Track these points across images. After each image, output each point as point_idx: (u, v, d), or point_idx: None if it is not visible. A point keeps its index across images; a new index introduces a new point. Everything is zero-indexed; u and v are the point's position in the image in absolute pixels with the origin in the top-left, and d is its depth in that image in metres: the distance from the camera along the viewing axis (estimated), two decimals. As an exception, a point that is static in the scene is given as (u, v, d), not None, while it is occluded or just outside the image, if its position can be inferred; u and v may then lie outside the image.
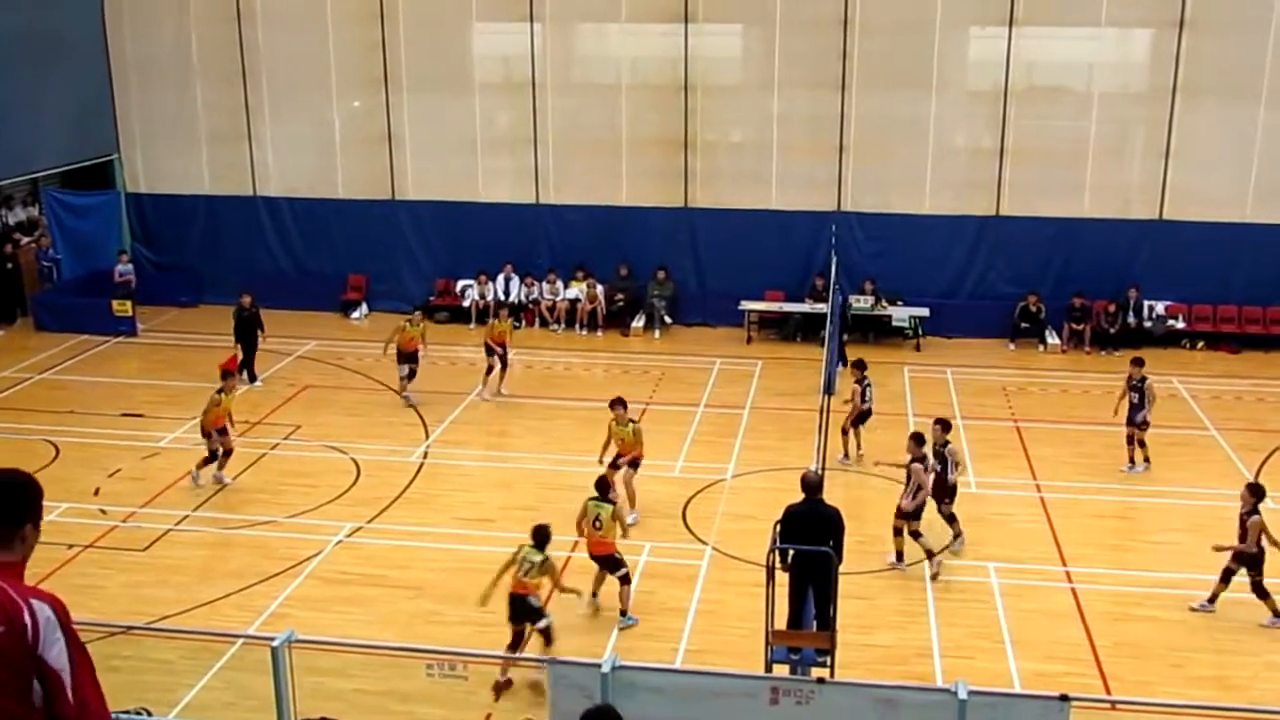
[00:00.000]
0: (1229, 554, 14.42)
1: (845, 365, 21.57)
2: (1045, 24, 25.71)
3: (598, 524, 14.31)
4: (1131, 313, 25.79)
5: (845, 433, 19.29)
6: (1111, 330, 25.60)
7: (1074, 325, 25.76)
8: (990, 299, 26.48)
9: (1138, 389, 19.15)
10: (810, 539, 12.27)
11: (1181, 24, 24.84)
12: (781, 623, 12.38)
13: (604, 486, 14.78)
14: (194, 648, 13.09)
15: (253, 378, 23.00)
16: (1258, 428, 21.07)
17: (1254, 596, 14.35)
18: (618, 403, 17.36)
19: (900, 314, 26.12)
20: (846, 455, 19.29)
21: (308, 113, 28.31)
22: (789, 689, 9.27)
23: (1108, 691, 12.99)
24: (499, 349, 22.25)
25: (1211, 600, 14.60)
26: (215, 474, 18.31)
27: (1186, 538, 16.83)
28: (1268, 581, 14.35)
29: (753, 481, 18.65)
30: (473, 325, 27.12)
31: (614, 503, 14.70)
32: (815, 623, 12.50)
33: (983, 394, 22.94)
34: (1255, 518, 14.16)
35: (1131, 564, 16.04)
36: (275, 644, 9.65)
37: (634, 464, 17.22)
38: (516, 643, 13.05)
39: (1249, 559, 14.29)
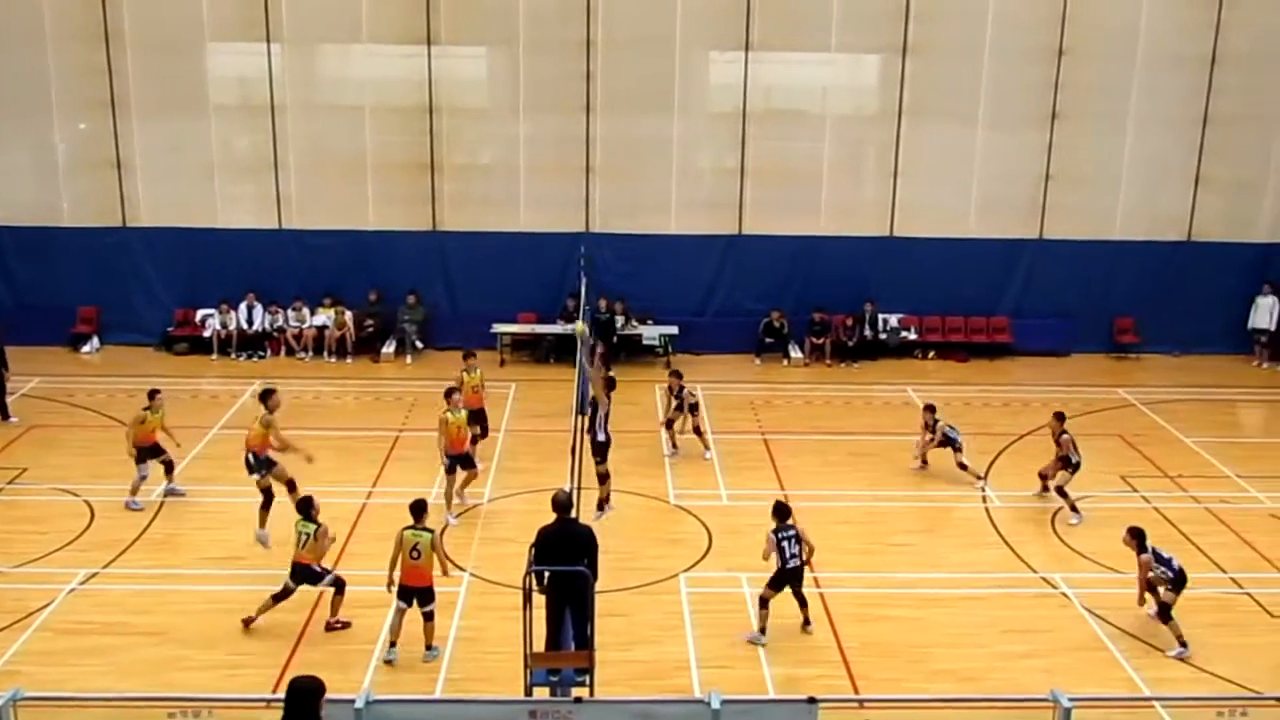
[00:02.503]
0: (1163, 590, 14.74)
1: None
2: (780, 49, 26.64)
3: (416, 553, 13.98)
4: (868, 325, 26.97)
5: (670, 426, 20.97)
6: (850, 343, 26.70)
7: (815, 339, 26.76)
8: (737, 316, 27.23)
9: (931, 429, 20.03)
10: (564, 559, 12.30)
11: (905, 50, 26.18)
12: (541, 645, 12.37)
13: (420, 510, 14.33)
14: (-90, 713, 12.15)
15: (5, 415, 21.88)
16: (986, 431, 22.30)
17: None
18: (453, 391, 18.34)
19: (651, 332, 26.58)
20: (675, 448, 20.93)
21: (27, 137, 26.67)
22: (546, 711, 9.27)
23: (855, 691, 13.49)
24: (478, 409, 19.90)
25: (1183, 643, 14.57)
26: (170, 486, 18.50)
27: (922, 539, 17.75)
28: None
29: (510, 504, 18.62)
30: (214, 356, 26.22)
31: (433, 530, 14.26)
32: (574, 643, 12.54)
33: (732, 408, 23.56)
34: (1143, 556, 14.75)
35: (873, 566, 16.74)
36: None
37: (467, 461, 18.11)
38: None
39: (1174, 583, 14.70)
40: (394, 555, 14.16)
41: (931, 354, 27.25)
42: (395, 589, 14.17)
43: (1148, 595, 14.78)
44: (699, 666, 14.07)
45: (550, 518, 12.84)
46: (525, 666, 11.76)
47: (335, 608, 14.72)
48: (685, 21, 26.11)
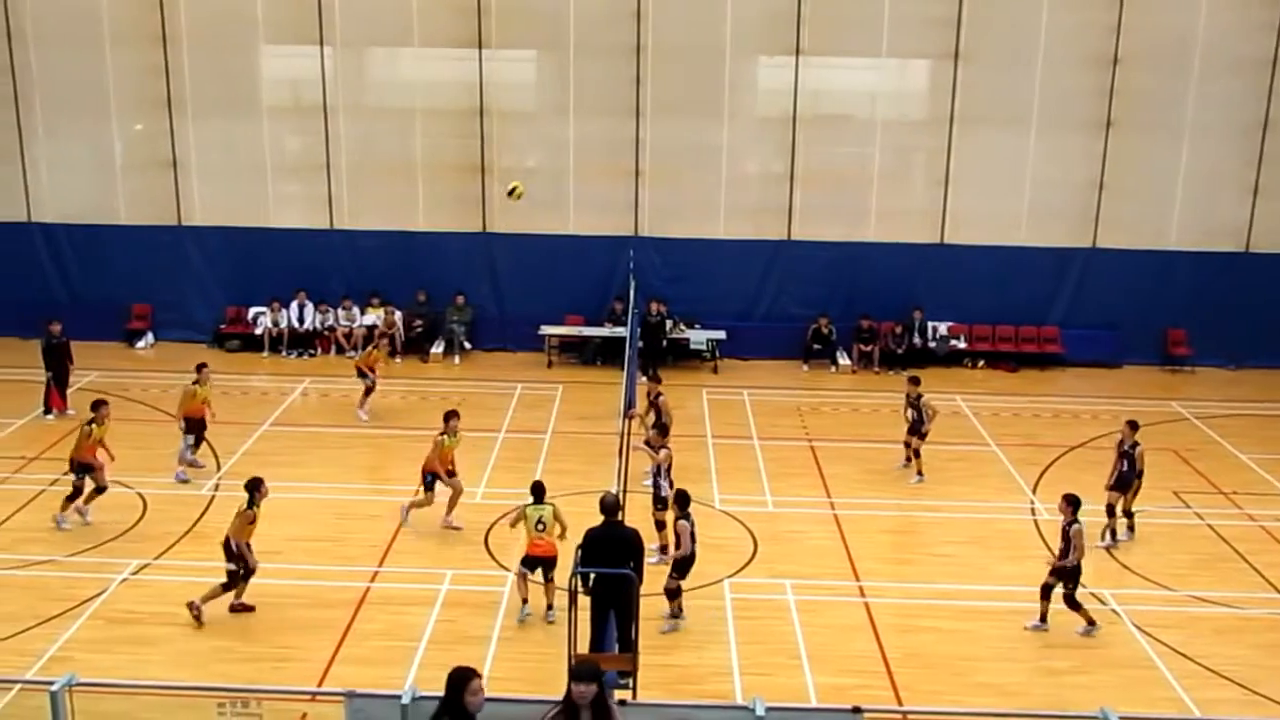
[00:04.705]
0: (1048, 570, 14.88)
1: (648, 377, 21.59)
2: (829, 54, 26.58)
3: (540, 526, 14.82)
4: (916, 333, 26.81)
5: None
6: (899, 351, 26.57)
7: (863, 346, 26.65)
8: (783, 321, 27.18)
9: (915, 406, 19.95)
10: (610, 561, 12.33)
11: (957, 56, 26.04)
12: (584, 646, 12.38)
13: (539, 490, 15.13)
14: (-36, 699, 12.35)
15: (64, 407, 22.28)
16: (1033, 442, 22.12)
17: (1065, 607, 14.87)
18: (453, 415, 17.98)
19: (697, 337, 26.57)
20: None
21: (86, 136, 27.13)
22: (590, 713, 9.25)
23: (899, 702, 13.39)
24: (370, 373, 22.46)
25: (1043, 619, 14.98)
26: (79, 508, 17.54)
27: (967, 549, 17.55)
28: (1080, 591, 15.04)
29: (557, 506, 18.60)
30: (265, 354, 26.49)
31: (553, 504, 15.03)
32: (617, 645, 12.55)
33: (778, 414, 23.49)
34: (1076, 526, 14.66)
35: (916, 576, 16.60)
36: (54, 689, 9.16)
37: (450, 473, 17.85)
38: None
39: (1068, 572, 14.75)
40: (512, 522, 15.35)
41: (981, 363, 27.05)
42: (520, 559, 15.14)
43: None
44: (741, 673, 14.01)
45: (599, 519, 12.88)
46: (568, 667, 11.77)
47: (239, 592, 15.03)
48: (735, 26, 26.11)
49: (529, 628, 14.82)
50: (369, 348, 23.48)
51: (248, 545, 15.00)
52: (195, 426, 19.67)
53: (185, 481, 19.19)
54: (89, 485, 17.58)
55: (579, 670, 8.81)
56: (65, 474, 18.00)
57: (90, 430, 17.66)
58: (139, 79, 26.56)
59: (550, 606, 14.99)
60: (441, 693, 8.60)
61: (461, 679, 8.61)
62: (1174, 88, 26.02)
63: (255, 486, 15.15)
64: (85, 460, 17.57)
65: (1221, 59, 25.88)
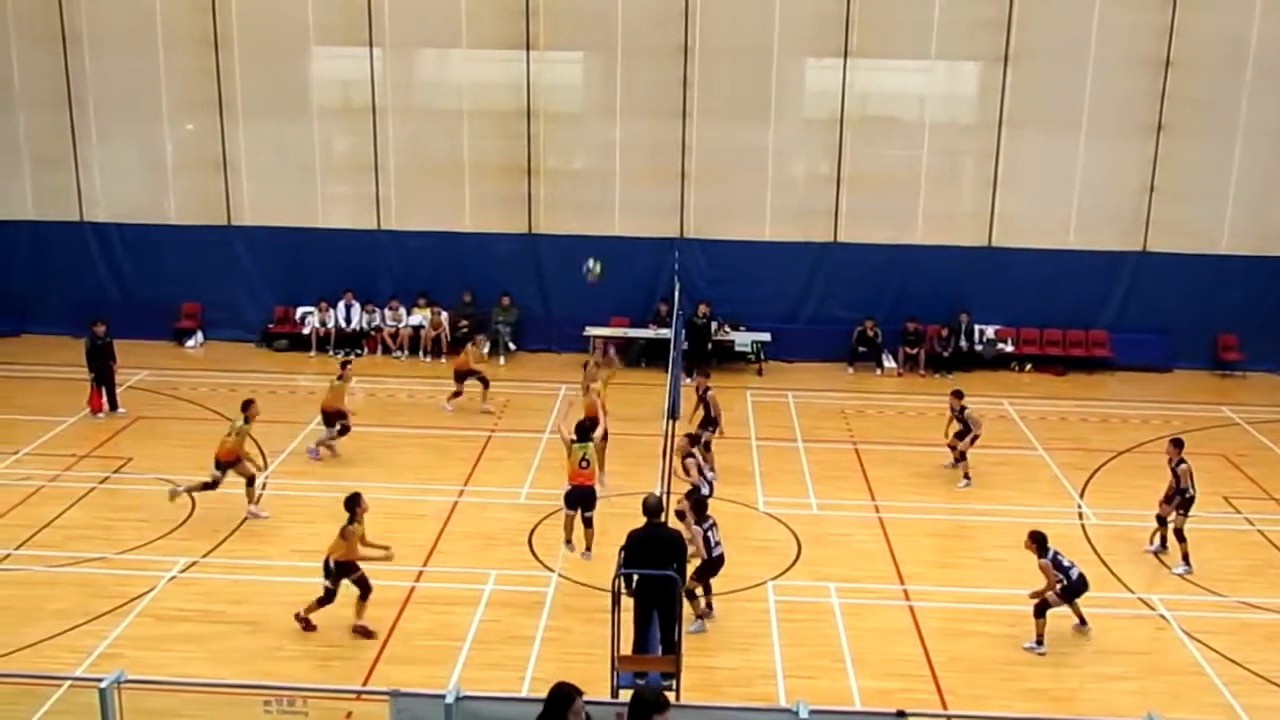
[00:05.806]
0: (1050, 594, 14.80)
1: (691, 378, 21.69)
2: (878, 56, 26.43)
3: (584, 463, 16.44)
4: (963, 336, 26.63)
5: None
6: (945, 354, 26.41)
7: (909, 349, 26.50)
8: (829, 324, 27.07)
9: (960, 418, 19.90)
10: (653, 563, 12.33)
11: (1006, 58, 25.85)
12: (628, 648, 12.40)
13: (583, 430, 16.72)
14: (16, 692, 12.47)
15: (114, 405, 22.55)
16: (1081, 447, 21.92)
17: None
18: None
19: (742, 339, 26.53)
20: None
21: (137, 137, 27.47)
22: (633, 714, 9.25)
23: (944, 706, 13.32)
24: (468, 376, 23.08)
25: (1082, 621, 14.99)
26: (251, 510, 18.11)
27: (1014, 554, 17.28)
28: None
29: (599, 507, 18.60)
30: (313, 353, 26.68)
31: (593, 440, 16.79)
32: (660, 647, 12.56)
33: (823, 417, 23.41)
34: (1041, 562, 14.76)
35: (963, 580, 16.51)
36: (103, 685, 9.29)
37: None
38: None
39: (1065, 593, 14.82)
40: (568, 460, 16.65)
41: (1028, 367, 26.82)
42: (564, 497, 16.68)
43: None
44: (784, 676, 13.99)
45: (639, 521, 12.89)
46: (612, 669, 11.80)
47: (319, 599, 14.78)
48: (783, 28, 26.04)
49: (571, 629, 14.85)
50: (468, 345, 23.78)
51: (342, 563, 14.68)
52: (331, 417, 20.56)
53: (317, 459, 20.41)
54: (243, 481, 18.07)
55: (652, 702, 8.32)
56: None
57: (239, 428, 18.11)
58: (190, 81, 26.85)
59: (589, 548, 16.58)
60: (485, 692, 8.65)
61: (567, 698, 8.31)
62: (1227, 91, 25.69)
63: (355, 502, 14.85)
64: (225, 459, 17.98)
65: (1275, 62, 25.52)
